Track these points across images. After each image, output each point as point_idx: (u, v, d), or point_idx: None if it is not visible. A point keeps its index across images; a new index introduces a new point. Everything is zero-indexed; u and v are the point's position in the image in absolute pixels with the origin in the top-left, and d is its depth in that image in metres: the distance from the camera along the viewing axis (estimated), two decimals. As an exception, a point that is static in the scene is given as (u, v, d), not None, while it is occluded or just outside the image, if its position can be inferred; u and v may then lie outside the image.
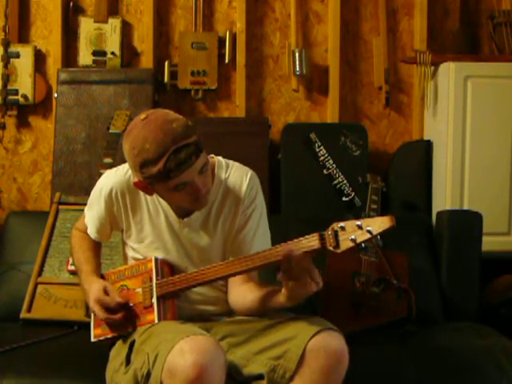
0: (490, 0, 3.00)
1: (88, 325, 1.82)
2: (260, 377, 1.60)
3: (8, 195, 2.97)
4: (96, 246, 1.91)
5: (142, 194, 1.76)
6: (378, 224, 1.45)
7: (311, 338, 1.54)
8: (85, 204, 2.45)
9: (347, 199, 2.77)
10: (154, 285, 1.69)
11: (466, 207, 2.64)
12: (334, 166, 2.79)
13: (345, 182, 2.78)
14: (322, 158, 2.79)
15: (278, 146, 2.85)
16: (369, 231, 1.45)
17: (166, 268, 1.75)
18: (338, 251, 1.49)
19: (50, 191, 2.80)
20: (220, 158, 1.83)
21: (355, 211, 2.72)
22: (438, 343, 2.12)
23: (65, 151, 2.75)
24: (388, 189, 2.69)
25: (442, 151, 2.71)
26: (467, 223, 2.47)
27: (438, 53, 2.85)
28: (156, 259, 1.73)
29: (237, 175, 1.79)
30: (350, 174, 2.77)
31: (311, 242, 1.51)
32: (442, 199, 2.69)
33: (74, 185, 2.70)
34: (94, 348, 1.79)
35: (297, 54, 2.90)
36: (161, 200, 1.75)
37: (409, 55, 2.96)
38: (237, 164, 1.83)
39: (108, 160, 2.45)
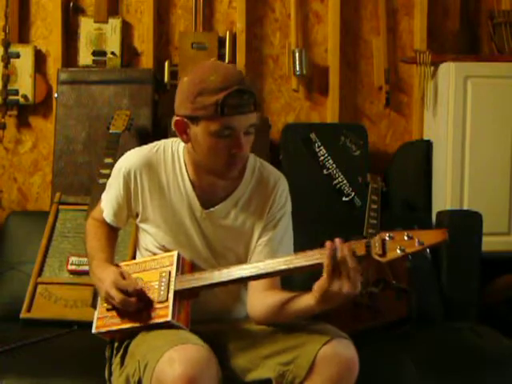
0: (490, 0, 3.01)
1: (88, 324, 1.79)
2: (268, 382, 1.57)
3: (8, 195, 2.97)
4: (112, 235, 1.80)
5: (164, 177, 1.69)
6: (430, 236, 1.40)
7: (323, 346, 1.51)
8: (85, 204, 2.45)
9: (347, 199, 2.77)
10: (173, 279, 1.59)
11: (465, 207, 2.64)
12: (334, 166, 2.79)
13: (345, 181, 2.78)
14: (322, 158, 2.79)
15: (278, 146, 2.85)
16: (420, 243, 1.40)
17: (187, 266, 1.65)
18: (384, 260, 1.43)
19: (50, 191, 2.80)
20: (253, 154, 1.75)
21: (355, 211, 2.73)
22: (437, 343, 2.13)
23: (65, 151, 2.75)
24: (388, 189, 2.69)
25: (442, 151, 2.72)
26: (467, 223, 2.47)
27: (438, 53, 2.85)
28: (179, 254, 1.62)
29: (269, 176, 1.73)
30: (350, 174, 2.77)
31: (357, 247, 1.45)
32: (442, 199, 2.69)
33: (74, 185, 2.69)
34: (94, 348, 1.78)
35: (297, 54, 2.90)
36: (187, 186, 1.68)
37: (409, 55, 2.96)
38: (270, 165, 1.78)
39: (108, 160, 2.44)
